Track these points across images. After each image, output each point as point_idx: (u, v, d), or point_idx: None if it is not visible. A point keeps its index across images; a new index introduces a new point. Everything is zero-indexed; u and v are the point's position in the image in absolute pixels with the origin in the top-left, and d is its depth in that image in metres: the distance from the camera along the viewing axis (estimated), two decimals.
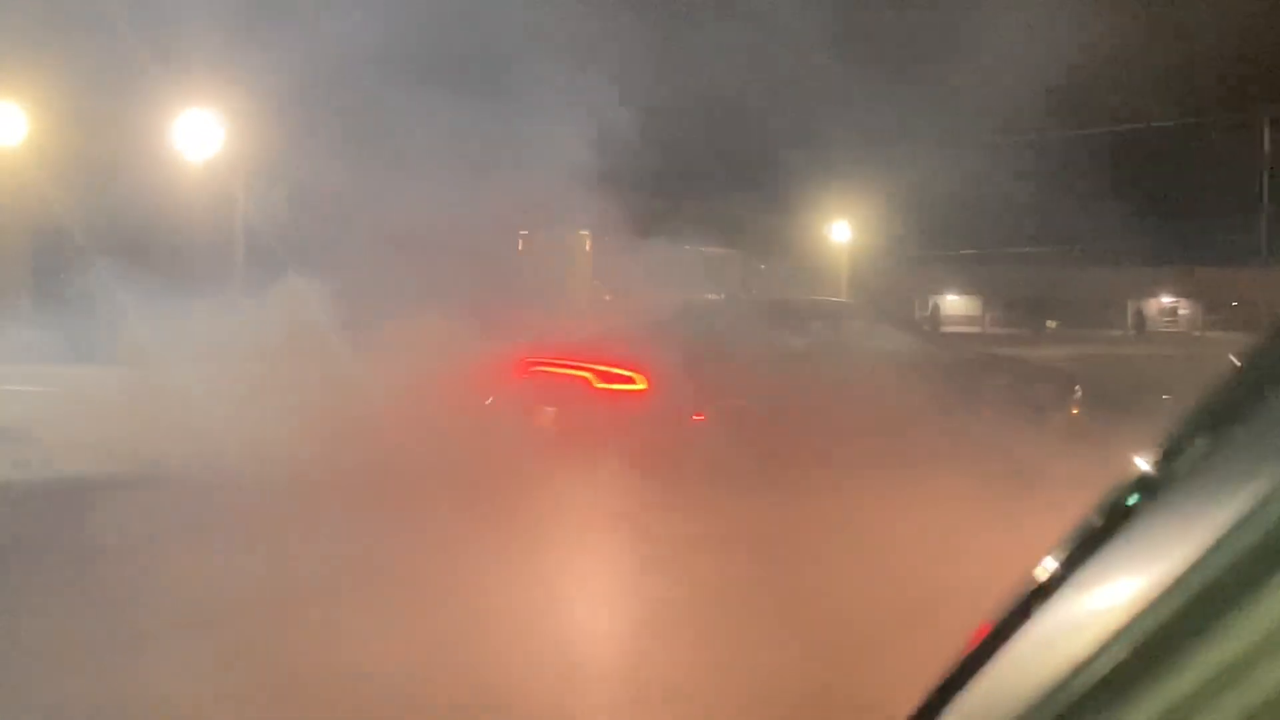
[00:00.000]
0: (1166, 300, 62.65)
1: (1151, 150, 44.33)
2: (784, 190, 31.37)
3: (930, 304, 51.41)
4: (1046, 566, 1.10)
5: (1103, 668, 0.98)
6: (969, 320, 53.89)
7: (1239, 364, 0.99)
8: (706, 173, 26.48)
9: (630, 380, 11.74)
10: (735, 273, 32.42)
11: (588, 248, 28.86)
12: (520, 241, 28.41)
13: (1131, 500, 1.00)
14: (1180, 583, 0.94)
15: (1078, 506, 1.25)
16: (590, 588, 8.36)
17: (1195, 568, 0.93)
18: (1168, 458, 0.99)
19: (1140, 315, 59.77)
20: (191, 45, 22.49)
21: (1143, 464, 1.02)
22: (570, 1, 19.29)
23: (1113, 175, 44.69)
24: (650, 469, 10.58)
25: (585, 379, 11.96)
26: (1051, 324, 51.41)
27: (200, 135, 24.24)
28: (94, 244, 23.13)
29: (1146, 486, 1.00)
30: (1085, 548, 1.04)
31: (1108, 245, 48.75)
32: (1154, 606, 0.95)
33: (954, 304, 55.96)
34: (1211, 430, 0.96)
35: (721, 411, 11.98)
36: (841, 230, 34.86)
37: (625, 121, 22.06)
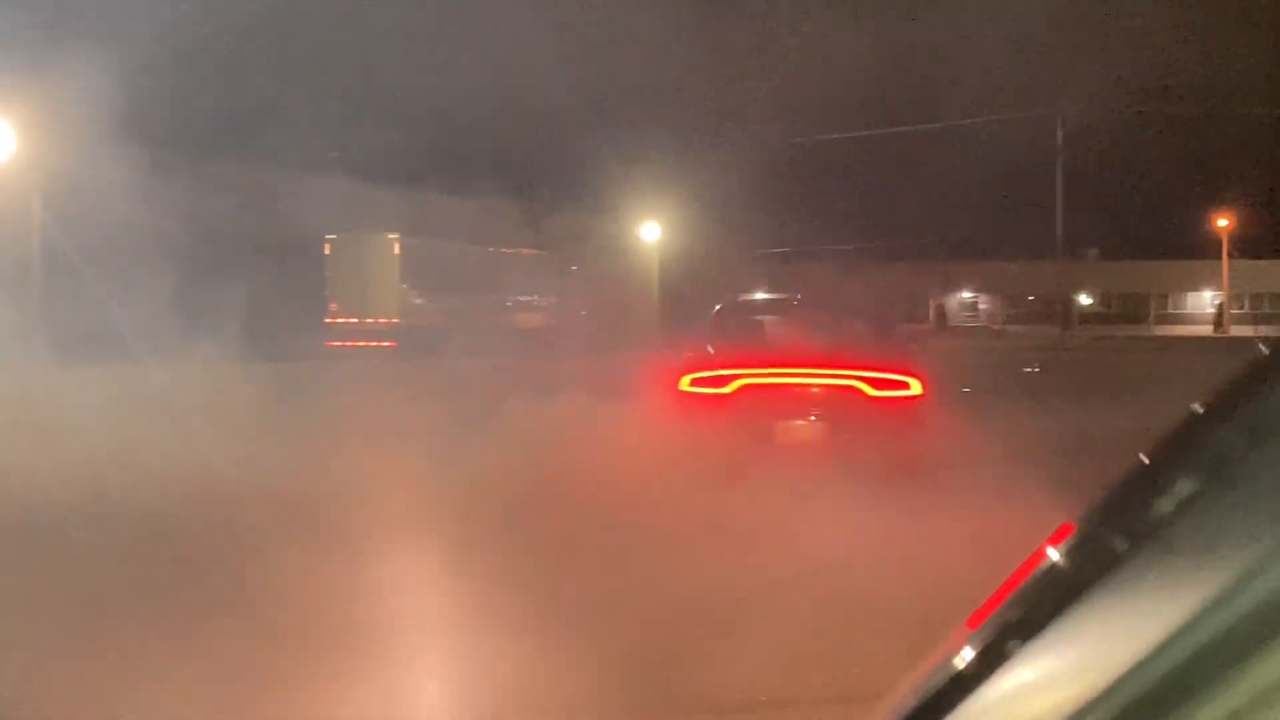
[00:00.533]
0: (966, 295, 64.55)
1: (952, 148, 45.57)
2: (595, 193, 31.33)
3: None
4: (1013, 609, 1.05)
5: None
6: None
7: (1218, 408, 0.94)
8: (519, 176, 26.26)
9: (905, 386, 11.13)
10: (549, 273, 32.62)
11: (396, 250, 29.03)
12: (326, 245, 28.05)
13: (1118, 546, 0.94)
14: (1175, 642, 0.89)
15: None
16: None
17: (1190, 627, 0.89)
18: (1147, 505, 0.93)
19: (941, 310, 61.39)
20: None
21: (1120, 508, 0.97)
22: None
23: (915, 173, 45.68)
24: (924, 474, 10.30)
25: (853, 388, 11.17)
26: None
27: None
28: None
29: (1130, 531, 0.95)
30: (1064, 593, 0.98)
31: (911, 241, 49.82)
32: (1144, 666, 0.91)
33: None
34: (1198, 477, 0.91)
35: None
36: (651, 231, 34.95)
37: (437, 126, 21.83)
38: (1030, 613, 1.02)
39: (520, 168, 24.33)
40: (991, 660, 1.04)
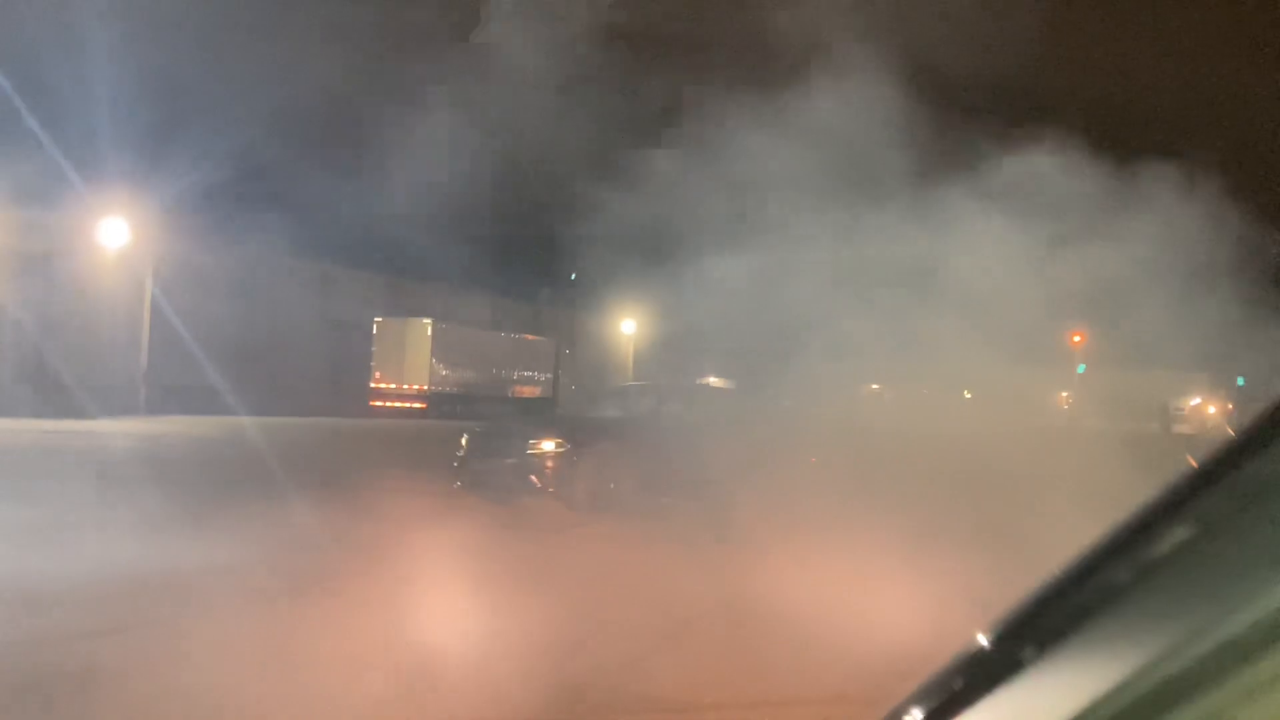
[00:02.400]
0: None
1: None
2: (589, 294, 33.84)
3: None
4: (1018, 625, 1.03)
5: None
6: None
7: (1211, 467, 0.93)
8: (526, 278, 28.72)
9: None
10: (546, 354, 35.53)
11: (429, 332, 30.41)
12: (374, 325, 31.07)
13: (1121, 578, 0.95)
14: (1161, 666, 0.91)
15: None
16: None
17: (1175, 655, 0.91)
18: (1150, 543, 0.94)
19: None
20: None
21: (1127, 542, 0.96)
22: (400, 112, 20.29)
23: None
24: None
25: None
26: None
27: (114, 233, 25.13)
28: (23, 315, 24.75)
29: (1136, 564, 0.95)
30: (1063, 622, 0.98)
31: None
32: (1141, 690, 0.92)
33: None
34: (1191, 526, 0.93)
35: None
36: (629, 325, 38.31)
37: (462, 236, 24.56)
38: (1035, 630, 1.01)
39: (527, 272, 27.02)
40: (997, 671, 1.02)
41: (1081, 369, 34.99)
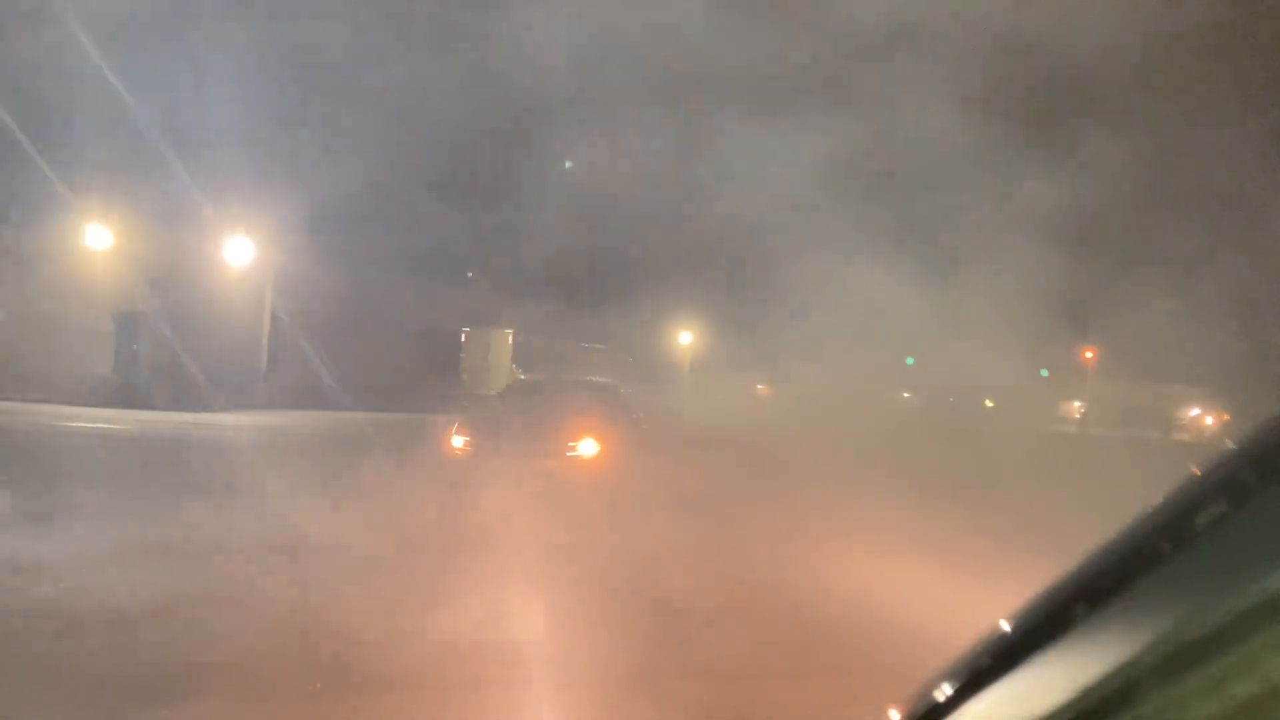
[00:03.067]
0: None
1: None
2: (651, 308, 35.72)
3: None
4: (1050, 602, 1.05)
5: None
6: None
7: (1244, 448, 0.95)
8: (597, 293, 30.38)
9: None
10: (612, 362, 37.45)
11: (510, 340, 33.11)
12: (463, 334, 33.63)
13: (1162, 549, 0.96)
14: (1197, 634, 0.91)
15: None
16: None
17: (1209, 621, 0.91)
18: (1186, 518, 0.95)
19: None
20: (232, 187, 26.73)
21: (1164, 519, 0.97)
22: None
23: None
24: None
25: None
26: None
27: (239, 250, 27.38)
28: (160, 321, 27.09)
29: (1172, 538, 0.96)
30: (1111, 584, 0.99)
31: None
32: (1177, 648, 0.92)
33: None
34: (1224, 500, 0.94)
35: None
36: (685, 337, 40.78)
37: (541, 256, 26.63)
38: (1068, 606, 1.02)
39: (597, 289, 28.87)
40: (1052, 627, 1.04)
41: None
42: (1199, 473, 1.00)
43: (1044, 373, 37.46)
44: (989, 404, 39.44)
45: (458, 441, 12.79)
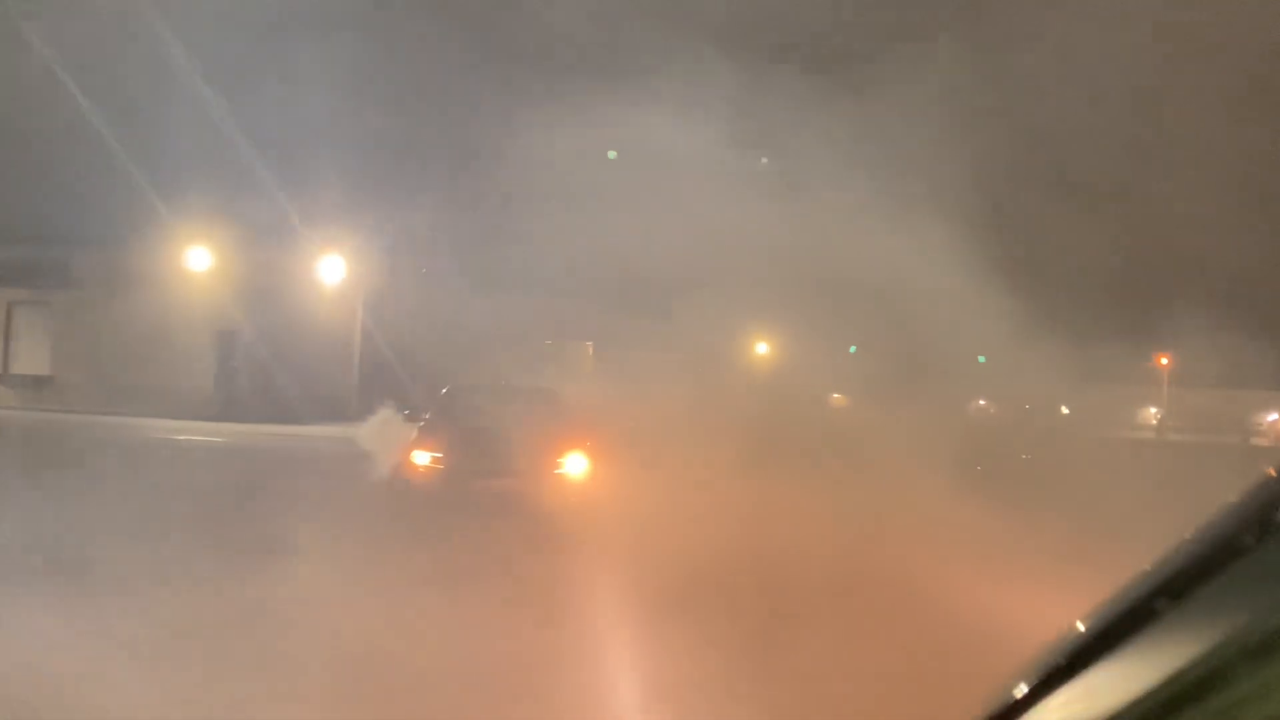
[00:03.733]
0: None
1: None
2: (729, 319, 35.90)
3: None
4: (1126, 601, 1.03)
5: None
6: None
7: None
8: (668, 309, 30.63)
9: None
10: (684, 370, 38.05)
11: (590, 353, 33.92)
12: (544, 348, 33.77)
13: (1244, 542, 0.94)
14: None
15: None
16: None
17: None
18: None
19: None
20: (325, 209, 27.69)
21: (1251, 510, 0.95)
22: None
23: None
24: None
25: None
26: None
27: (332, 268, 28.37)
28: (257, 337, 27.92)
29: (1259, 530, 0.93)
30: (1193, 576, 0.98)
31: None
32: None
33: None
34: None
35: None
36: (762, 348, 41.05)
37: (619, 273, 26.90)
38: (1149, 600, 1.00)
39: (668, 304, 29.06)
40: (1136, 620, 1.02)
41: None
42: (1276, 473, 1.00)
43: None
44: (1065, 410, 38.92)
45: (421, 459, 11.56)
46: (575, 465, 11.46)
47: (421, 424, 12.84)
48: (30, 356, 29.34)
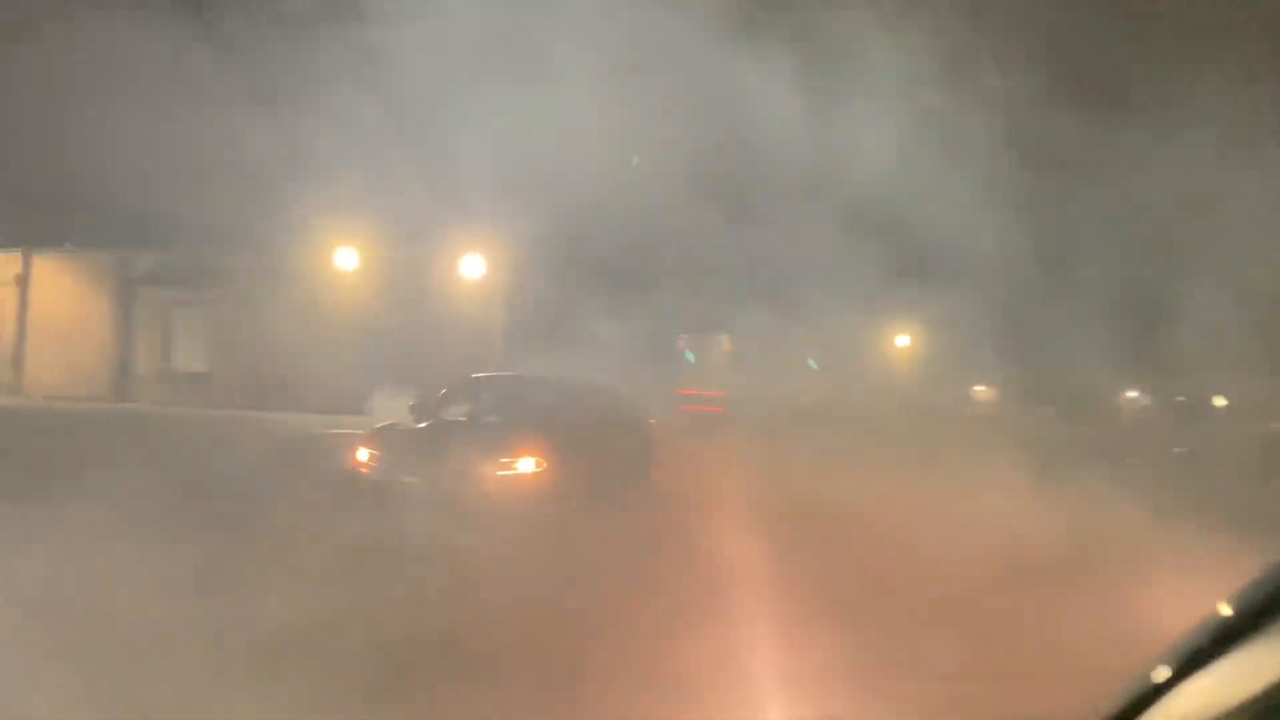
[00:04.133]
0: None
1: None
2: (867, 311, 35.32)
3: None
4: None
5: None
6: None
7: None
8: (808, 303, 30.26)
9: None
10: (824, 363, 37.87)
11: (726, 346, 34.16)
12: (681, 341, 34.04)
13: None
14: None
15: None
16: None
17: None
18: None
19: None
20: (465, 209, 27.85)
21: None
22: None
23: None
24: None
25: None
26: None
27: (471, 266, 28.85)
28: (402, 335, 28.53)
29: None
30: None
31: None
32: None
33: None
34: None
35: None
36: (902, 339, 40.32)
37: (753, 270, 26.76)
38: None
39: (814, 293, 28.72)
40: (1244, 632, 1.00)
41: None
42: None
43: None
44: (1222, 402, 37.17)
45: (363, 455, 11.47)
46: (524, 466, 11.06)
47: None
48: (189, 354, 30.49)
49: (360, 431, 13.07)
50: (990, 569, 8.37)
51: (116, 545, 7.38)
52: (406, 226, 26.85)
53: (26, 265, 31.59)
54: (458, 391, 13.45)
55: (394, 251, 27.59)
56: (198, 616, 6.14)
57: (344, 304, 28.12)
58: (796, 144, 19.61)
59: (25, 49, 22.07)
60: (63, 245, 30.54)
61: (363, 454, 11.53)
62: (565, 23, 19.34)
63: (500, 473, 10.87)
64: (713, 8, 18.39)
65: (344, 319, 28.16)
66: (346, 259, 28.03)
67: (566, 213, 26.50)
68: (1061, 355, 26.62)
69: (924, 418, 26.91)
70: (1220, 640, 1.07)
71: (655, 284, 29.21)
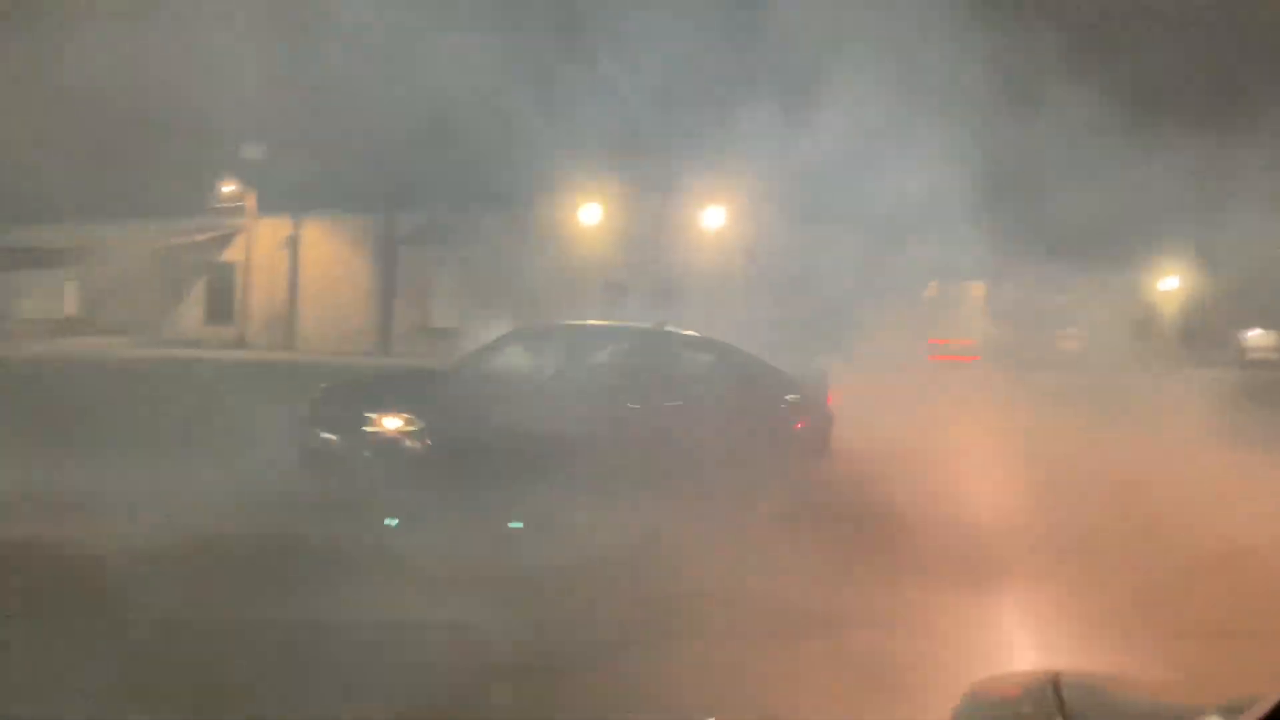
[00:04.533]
0: None
1: None
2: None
3: None
4: None
5: None
6: None
7: None
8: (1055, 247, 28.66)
9: None
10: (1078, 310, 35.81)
11: (978, 293, 32.75)
12: (930, 288, 32.77)
13: None
14: None
15: None
16: None
17: None
18: None
19: None
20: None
21: None
22: None
23: None
24: None
25: None
26: None
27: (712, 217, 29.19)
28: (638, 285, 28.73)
29: None
30: None
31: None
32: None
33: None
34: None
35: None
36: (1171, 283, 37.52)
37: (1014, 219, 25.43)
38: None
39: (1066, 243, 27.13)
40: None
41: None
42: None
43: None
44: None
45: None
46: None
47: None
48: (445, 310, 31.56)
49: None
50: None
51: None
52: (652, 179, 27.03)
53: (297, 229, 33.39)
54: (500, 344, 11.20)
55: (638, 204, 27.74)
56: None
57: (591, 257, 28.41)
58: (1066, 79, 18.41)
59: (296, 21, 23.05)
60: (329, 209, 32.06)
61: None
62: None
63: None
64: None
65: (589, 272, 28.43)
66: (591, 213, 28.29)
67: (813, 159, 25.84)
68: None
69: (1195, 368, 24.86)
70: None
71: (905, 230, 28.22)
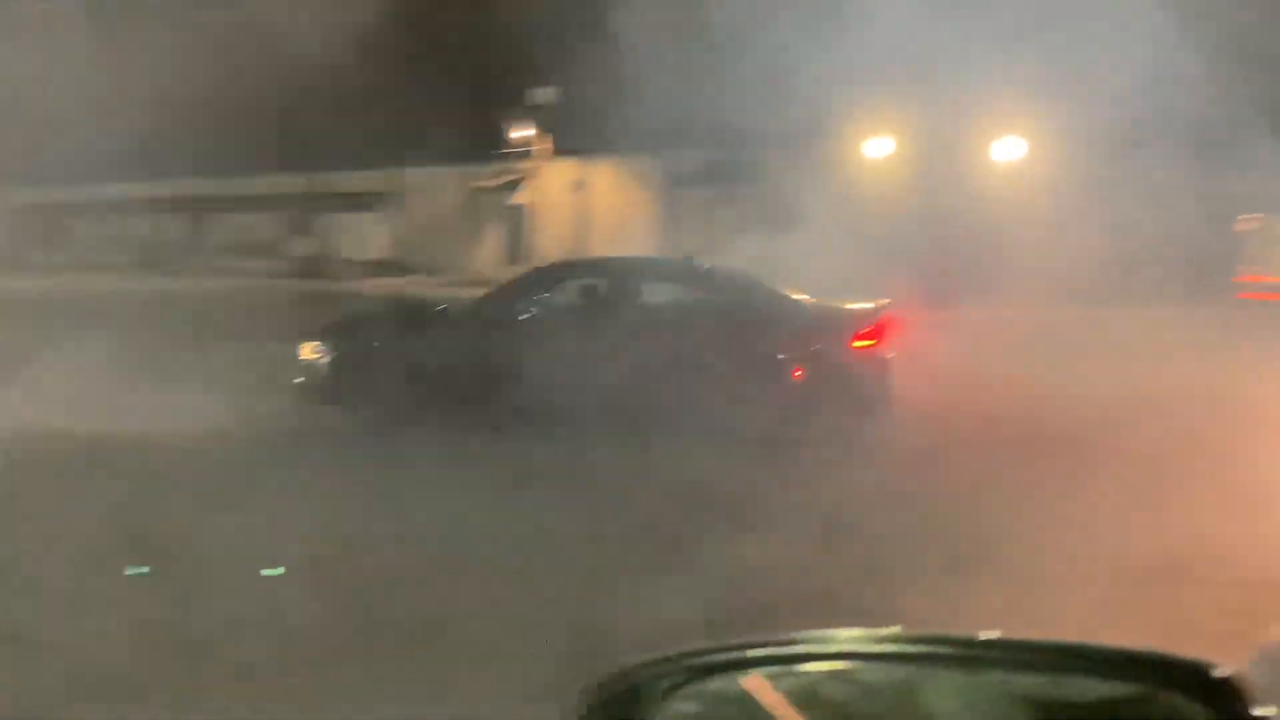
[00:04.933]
0: None
1: None
2: None
3: None
4: None
5: None
6: None
7: None
8: None
9: None
10: None
11: None
12: (1241, 222, 30.66)
13: None
14: None
15: None
16: None
17: None
18: None
19: None
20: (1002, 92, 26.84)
21: None
22: None
23: None
24: None
25: None
26: None
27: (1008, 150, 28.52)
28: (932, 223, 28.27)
29: None
30: None
31: None
32: None
33: None
34: None
35: None
36: None
37: None
38: None
39: None
40: None
41: None
42: None
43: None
44: None
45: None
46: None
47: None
48: (726, 251, 31.87)
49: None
50: None
51: None
52: (938, 111, 26.51)
53: (583, 172, 34.46)
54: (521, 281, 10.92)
55: (925, 137, 27.15)
56: None
57: (876, 194, 27.89)
58: None
59: None
60: (614, 151, 32.87)
61: None
62: None
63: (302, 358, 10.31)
64: None
65: (876, 208, 28.01)
66: (877, 147, 28.01)
67: (1117, 83, 24.76)
68: None
69: None
70: None
71: (1214, 160, 26.64)
